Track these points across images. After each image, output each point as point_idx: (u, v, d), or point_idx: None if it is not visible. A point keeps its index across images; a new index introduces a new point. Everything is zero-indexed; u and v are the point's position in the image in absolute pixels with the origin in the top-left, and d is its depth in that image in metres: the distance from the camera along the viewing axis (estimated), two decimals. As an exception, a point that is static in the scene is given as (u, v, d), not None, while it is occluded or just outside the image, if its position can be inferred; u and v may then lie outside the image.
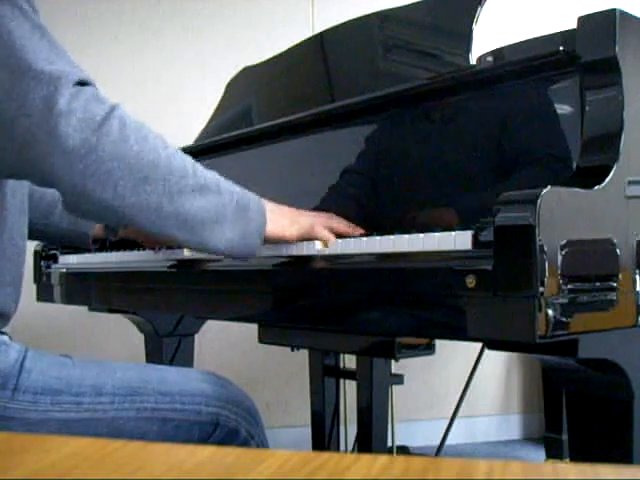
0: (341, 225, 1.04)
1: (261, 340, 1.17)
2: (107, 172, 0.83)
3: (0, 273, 0.97)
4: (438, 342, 1.08)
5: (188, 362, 1.80)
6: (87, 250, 1.45)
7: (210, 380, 1.04)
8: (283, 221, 1.00)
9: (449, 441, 1.79)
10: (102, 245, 1.46)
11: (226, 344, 2.47)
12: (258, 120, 1.51)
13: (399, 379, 1.51)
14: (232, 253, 0.95)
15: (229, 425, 1.01)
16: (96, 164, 0.82)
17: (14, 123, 0.81)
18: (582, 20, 0.88)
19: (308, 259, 0.99)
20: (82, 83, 0.85)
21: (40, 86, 0.81)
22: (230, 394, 1.03)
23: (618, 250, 0.80)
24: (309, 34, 1.43)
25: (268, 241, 0.98)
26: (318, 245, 0.97)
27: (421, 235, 0.86)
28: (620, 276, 0.80)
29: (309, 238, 0.99)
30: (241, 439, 1.02)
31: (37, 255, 1.57)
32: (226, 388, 1.04)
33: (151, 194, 0.86)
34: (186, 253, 1.18)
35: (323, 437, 1.58)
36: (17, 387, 0.91)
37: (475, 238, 0.77)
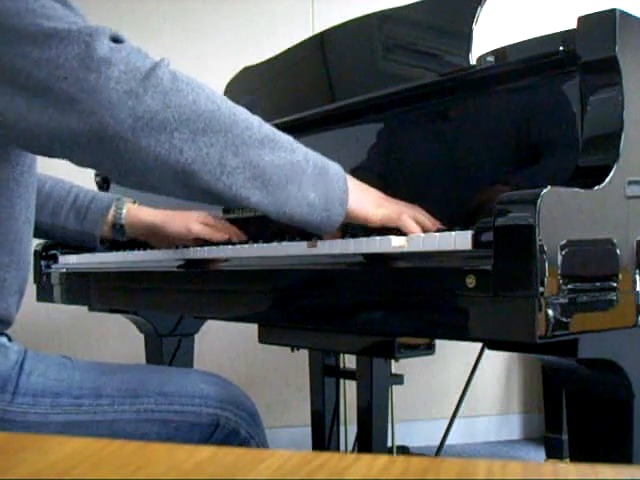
0: (426, 220, 0.94)
1: (261, 340, 1.17)
2: (160, 123, 0.75)
3: (10, 283, 0.95)
4: (438, 342, 1.08)
5: (188, 362, 1.80)
6: (93, 251, 1.40)
7: (210, 381, 1.03)
8: (367, 198, 0.91)
9: (449, 441, 1.78)
10: (112, 245, 1.41)
11: (226, 344, 2.47)
12: (258, 120, 1.51)
13: (399, 379, 1.51)
14: (312, 221, 0.85)
15: (229, 426, 1.00)
16: (147, 115, 0.75)
17: (50, 91, 0.73)
18: (582, 20, 0.88)
19: (307, 259, 0.99)
20: (116, 40, 0.79)
21: (71, 45, 0.74)
22: (230, 395, 1.03)
23: (618, 250, 0.80)
24: (309, 34, 1.43)
25: (348, 217, 0.89)
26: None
27: (421, 235, 0.86)
28: (620, 276, 0.80)
29: (392, 225, 0.90)
30: (241, 440, 1.01)
31: (37, 255, 1.57)
32: (226, 389, 1.04)
33: (212, 147, 0.77)
34: (187, 253, 1.18)
35: (323, 437, 1.58)
36: (17, 390, 0.91)
37: (475, 238, 0.77)
